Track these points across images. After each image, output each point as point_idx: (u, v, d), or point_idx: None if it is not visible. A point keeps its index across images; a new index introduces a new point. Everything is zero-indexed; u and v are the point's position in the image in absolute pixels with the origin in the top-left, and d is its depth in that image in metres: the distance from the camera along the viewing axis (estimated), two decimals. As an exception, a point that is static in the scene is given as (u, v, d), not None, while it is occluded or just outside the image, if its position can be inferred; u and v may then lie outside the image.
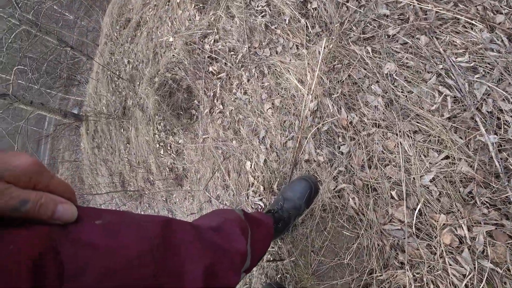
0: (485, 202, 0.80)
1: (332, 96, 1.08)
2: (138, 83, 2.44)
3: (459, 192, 0.84)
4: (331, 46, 1.14)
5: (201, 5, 1.91)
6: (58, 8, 7.33)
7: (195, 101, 1.82)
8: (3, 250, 0.27)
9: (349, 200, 0.97)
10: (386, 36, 1.12)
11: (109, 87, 2.93)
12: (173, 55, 1.90)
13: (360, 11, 1.20)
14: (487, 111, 0.88)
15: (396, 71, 1.02)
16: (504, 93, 0.87)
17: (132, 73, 2.53)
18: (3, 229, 0.28)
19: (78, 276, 0.31)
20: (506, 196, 0.78)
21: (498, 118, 0.86)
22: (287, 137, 1.18)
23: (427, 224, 0.85)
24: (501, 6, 0.98)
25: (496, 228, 0.77)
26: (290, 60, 1.28)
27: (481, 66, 0.94)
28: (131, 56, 2.62)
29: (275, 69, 1.33)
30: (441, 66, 0.98)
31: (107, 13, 3.50)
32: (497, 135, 0.84)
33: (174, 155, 2.09)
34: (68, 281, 0.30)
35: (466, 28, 1.01)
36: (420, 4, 1.08)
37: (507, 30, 0.95)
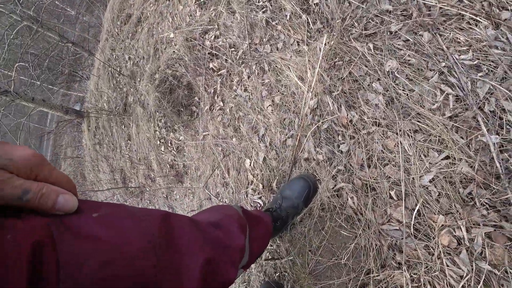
0: (484, 204, 0.79)
1: (333, 93, 1.07)
2: (139, 79, 2.43)
3: (459, 193, 0.83)
4: (332, 42, 1.13)
5: (202, 0, 1.89)
6: (60, 3, 7.32)
7: (196, 97, 1.81)
8: (2, 241, 0.26)
9: (347, 199, 0.97)
10: (388, 33, 1.10)
11: (110, 83, 2.92)
12: (174, 52, 1.89)
13: (362, 7, 1.18)
14: (489, 111, 0.86)
15: (397, 68, 1.01)
16: (507, 92, 0.85)
17: (133, 70, 2.52)
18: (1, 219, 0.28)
19: (76, 270, 0.31)
20: (506, 198, 0.77)
21: (501, 118, 0.84)
22: (286, 135, 1.17)
23: (426, 225, 0.84)
24: (507, 2, 0.95)
25: (495, 230, 0.76)
26: (291, 56, 1.27)
27: (484, 64, 0.92)
28: (132, 52, 2.62)
29: (276, 66, 1.31)
30: (443, 64, 0.96)
31: (108, 8, 3.49)
32: (499, 135, 0.82)
33: (174, 152, 2.09)
34: (65, 278, 0.29)
35: (470, 24, 0.98)
36: (424, 0, 1.06)
37: None
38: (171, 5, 2.26)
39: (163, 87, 1.83)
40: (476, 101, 0.89)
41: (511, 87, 0.86)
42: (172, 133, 2.06)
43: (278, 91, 1.27)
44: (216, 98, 1.64)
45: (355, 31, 1.15)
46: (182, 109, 1.87)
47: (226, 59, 1.60)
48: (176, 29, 2.07)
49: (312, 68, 1.13)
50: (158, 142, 2.21)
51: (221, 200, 1.46)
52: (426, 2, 1.06)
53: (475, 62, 0.93)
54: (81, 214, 0.35)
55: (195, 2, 1.94)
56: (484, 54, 0.93)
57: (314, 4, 1.30)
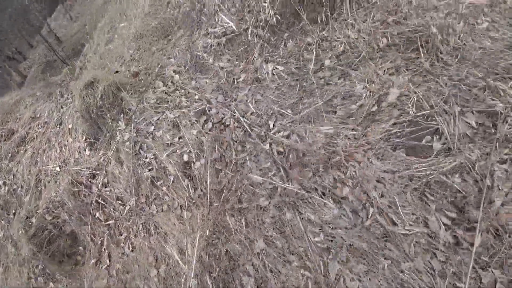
0: None
1: (212, 274, 1.14)
2: (13, 211, 2.12)
3: None
4: (209, 219, 1.23)
5: (92, 139, 1.88)
6: None
7: (81, 247, 1.66)
8: None
9: None
10: (259, 208, 1.25)
11: (-25, 210, 2.44)
12: (56, 195, 1.75)
13: (237, 178, 1.34)
14: (339, 294, 1.02)
15: (265, 250, 1.14)
16: (350, 273, 1.03)
17: (7, 199, 2.19)
18: None
19: None
20: None
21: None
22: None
23: None
24: (347, 179, 1.17)
25: None
26: (174, 223, 1.32)
27: (332, 247, 1.08)
28: (8, 177, 2.31)
29: (161, 231, 1.34)
30: (302, 248, 1.11)
31: (-14, 115, 3.10)
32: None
33: (55, 305, 1.78)
34: None
35: (320, 205, 1.17)
36: (283, 184, 1.26)
37: (351, 203, 1.13)
38: (60, 133, 2.16)
39: (40, 237, 1.63)
40: (329, 285, 1.04)
41: (353, 268, 1.04)
42: (52, 283, 1.78)
43: (163, 260, 1.28)
44: (103, 250, 1.54)
45: (231, 206, 1.27)
46: (64, 259, 1.67)
47: (114, 210, 1.56)
48: (63, 162, 1.96)
49: (192, 245, 1.20)
50: (34, 292, 1.86)
51: None
52: (285, 186, 1.26)
53: (325, 246, 1.09)
54: None
55: (85, 139, 1.91)
56: (331, 235, 1.10)
57: (196, 169, 1.43)
